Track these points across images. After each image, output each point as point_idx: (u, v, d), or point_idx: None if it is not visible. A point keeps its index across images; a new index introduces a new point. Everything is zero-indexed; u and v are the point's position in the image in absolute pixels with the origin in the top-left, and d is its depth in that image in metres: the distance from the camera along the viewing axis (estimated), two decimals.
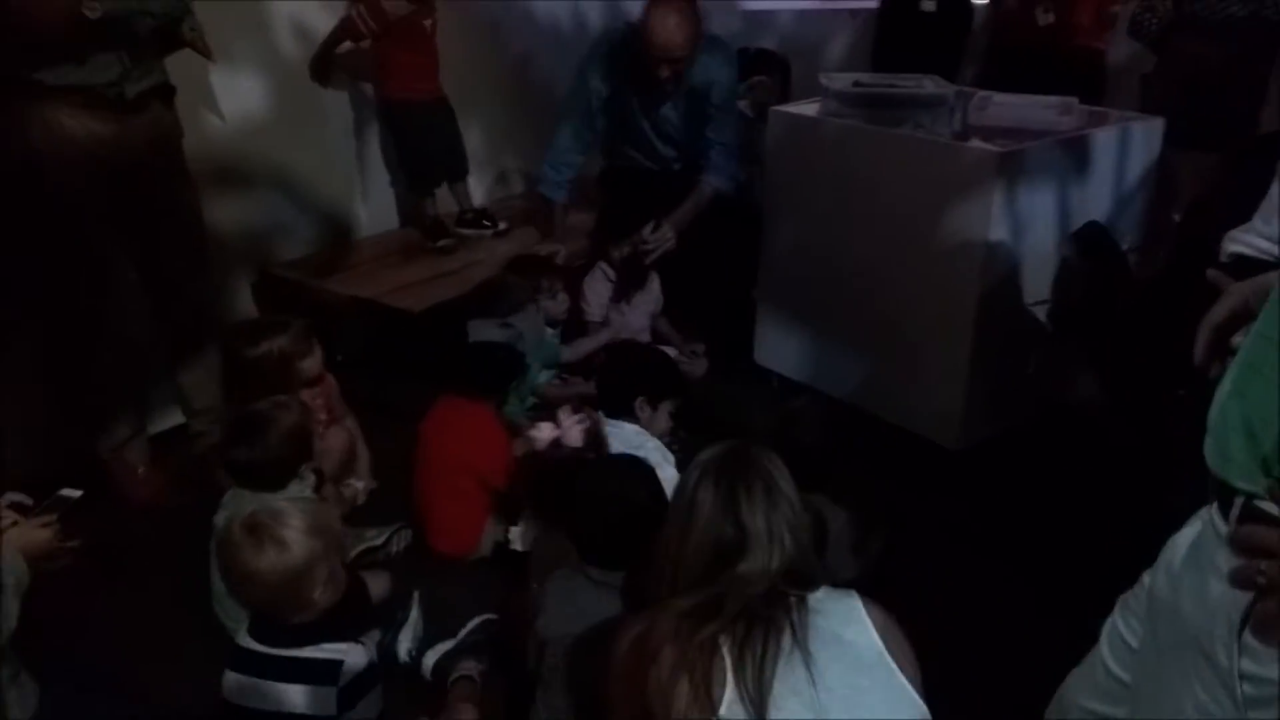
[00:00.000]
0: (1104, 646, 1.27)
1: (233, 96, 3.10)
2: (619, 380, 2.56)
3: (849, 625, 1.34)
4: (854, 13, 5.11)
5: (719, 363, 3.42)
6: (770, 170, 3.31)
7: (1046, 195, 2.82)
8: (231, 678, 1.76)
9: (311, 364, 2.60)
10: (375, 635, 2.23)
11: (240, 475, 2.17)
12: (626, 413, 2.43)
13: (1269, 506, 0.93)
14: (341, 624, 1.82)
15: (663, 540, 1.44)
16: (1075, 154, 2.87)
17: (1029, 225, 2.80)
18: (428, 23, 3.29)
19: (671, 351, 3.37)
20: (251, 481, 2.16)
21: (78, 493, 1.85)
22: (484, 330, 2.60)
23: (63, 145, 2.38)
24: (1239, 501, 0.97)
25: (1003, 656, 2.16)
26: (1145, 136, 3.04)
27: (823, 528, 2.06)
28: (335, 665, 1.73)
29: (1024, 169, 2.74)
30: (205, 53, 2.62)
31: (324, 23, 3.25)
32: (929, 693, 1.36)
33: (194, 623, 2.22)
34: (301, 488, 2.21)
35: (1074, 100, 3.13)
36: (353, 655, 1.76)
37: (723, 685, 1.26)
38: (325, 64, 3.31)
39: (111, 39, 2.32)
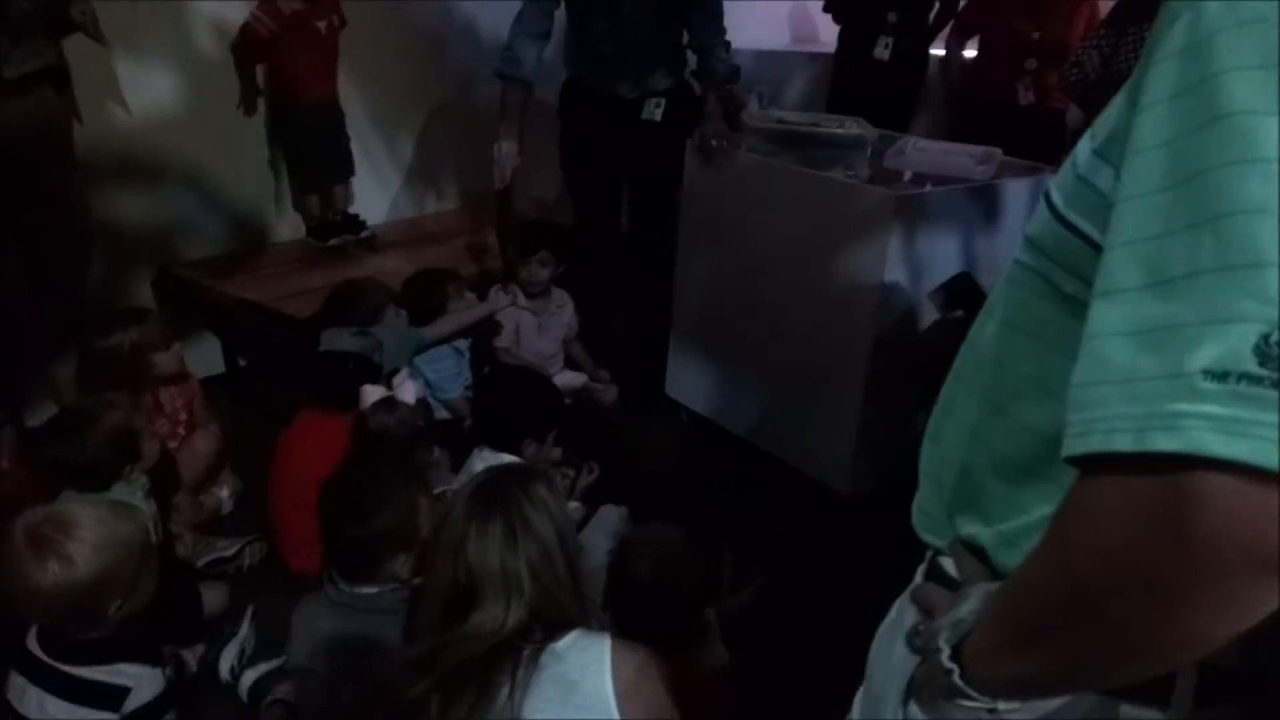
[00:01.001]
0: (856, 705, 1.19)
1: (144, 90, 3.05)
2: (498, 414, 2.50)
3: (586, 678, 1.23)
4: (812, 57, 5.10)
5: (630, 394, 3.36)
6: (687, 202, 3.27)
7: (948, 242, 2.77)
8: (16, 680, 1.67)
9: (167, 359, 2.53)
10: (199, 649, 2.16)
11: (60, 474, 2.09)
12: (511, 450, 2.36)
13: (950, 565, 0.86)
14: (140, 638, 1.73)
15: (428, 563, 1.37)
16: (982, 203, 2.83)
17: (927, 272, 2.75)
18: (322, 24, 3.24)
19: (580, 378, 3.31)
20: (73, 481, 2.07)
21: None
22: (337, 339, 2.52)
23: None
24: (929, 556, 0.90)
25: None
26: None
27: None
28: (121, 691, 1.63)
29: (924, 214, 2.69)
30: (97, 38, 2.57)
31: (238, 15, 3.20)
32: None
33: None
34: (130, 490, 2.13)
35: (997, 150, 3.09)
36: (144, 682, 1.66)
37: None
38: (251, 83, 3.28)
39: None
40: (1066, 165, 0.75)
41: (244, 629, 2.18)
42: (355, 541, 1.72)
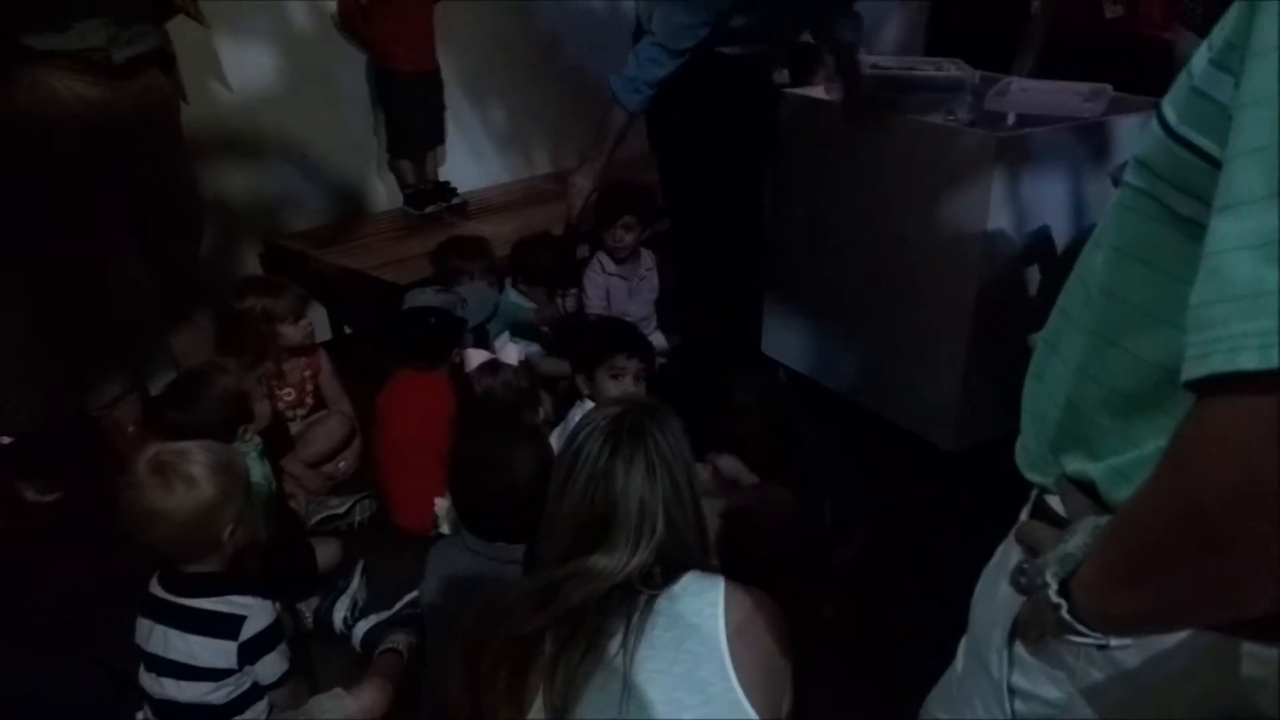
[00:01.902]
0: (959, 653, 1.16)
1: (243, 67, 3.15)
2: (583, 342, 2.53)
3: (700, 622, 1.21)
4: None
5: (728, 351, 3.33)
6: (782, 154, 3.21)
7: (1054, 185, 2.66)
8: (142, 623, 1.77)
9: (293, 332, 2.62)
10: (314, 601, 2.25)
11: (176, 437, 2.18)
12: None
13: (1055, 503, 0.83)
14: (254, 579, 1.81)
15: (550, 494, 1.34)
16: (1090, 142, 2.70)
17: (1034, 216, 2.65)
18: None
19: (672, 339, 3.30)
20: (195, 435, 2.16)
21: (7, 439, 1.89)
22: (420, 297, 2.56)
23: (50, 108, 2.42)
24: (1033, 495, 0.87)
25: None
26: None
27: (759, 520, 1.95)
28: (237, 620, 1.72)
29: (1028, 156, 2.59)
30: (198, 18, 2.65)
31: None
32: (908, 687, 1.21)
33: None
34: (244, 450, 2.21)
35: (1106, 87, 2.94)
36: (257, 611, 1.74)
37: (535, 688, 1.18)
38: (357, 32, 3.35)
39: (91, 5, 2.36)
40: (1180, 79, 0.71)
41: (355, 582, 2.26)
42: (500, 513, 1.75)
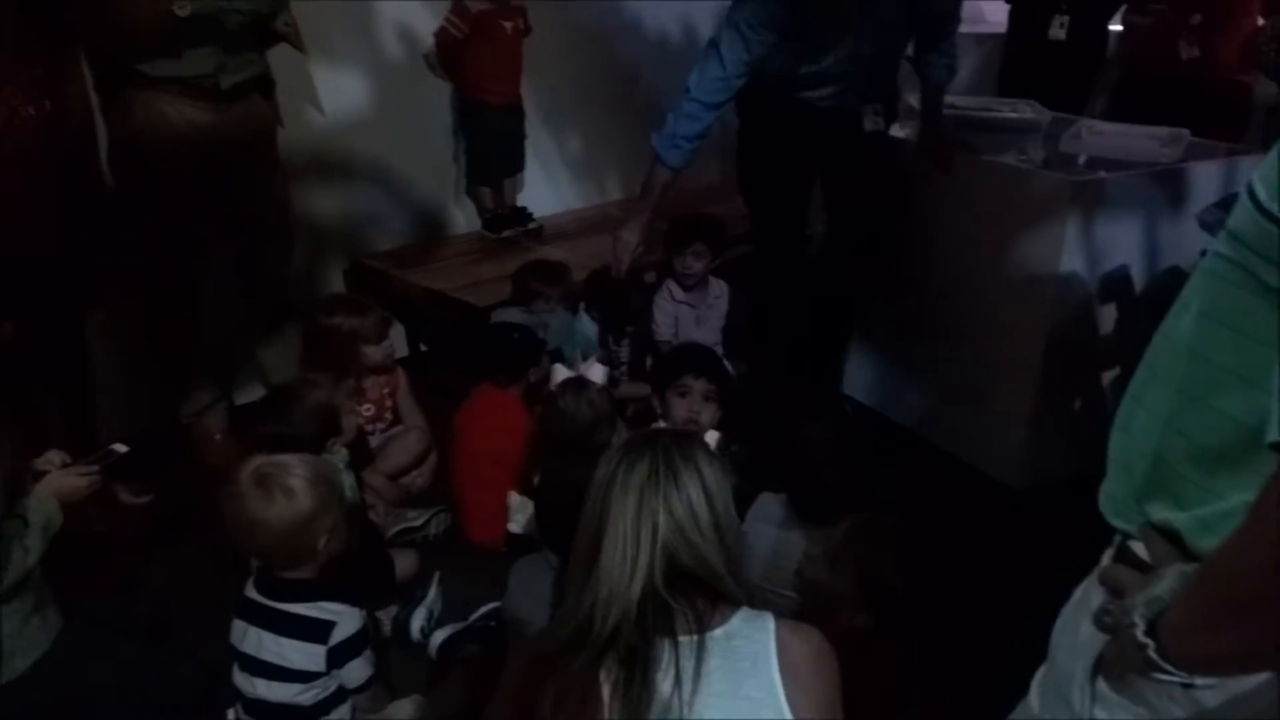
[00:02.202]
0: (1033, 689, 1.20)
1: (335, 92, 3.29)
2: (665, 361, 2.60)
3: (755, 664, 1.18)
4: (980, 38, 4.96)
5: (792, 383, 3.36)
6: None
7: (1129, 230, 2.68)
8: (238, 624, 1.87)
9: (375, 352, 2.72)
10: (392, 610, 2.34)
11: (271, 449, 2.29)
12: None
13: (1139, 549, 0.88)
14: (342, 587, 1.89)
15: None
16: (1166, 187, 2.71)
17: (1107, 260, 2.66)
18: (509, 25, 3.40)
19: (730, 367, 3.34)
20: (282, 444, 2.26)
21: (125, 448, 2.00)
22: (505, 315, 2.66)
23: (162, 130, 2.57)
24: (1116, 540, 0.92)
25: None
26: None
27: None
28: (327, 625, 1.80)
29: (1103, 200, 2.61)
30: (299, 47, 2.78)
31: (424, 22, 3.41)
32: None
33: (239, 582, 2.36)
34: (333, 462, 2.31)
35: (1184, 132, 2.95)
36: (346, 618, 1.83)
37: None
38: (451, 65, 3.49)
39: (203, 35, 2.50)
40: (1271, 158, 0.75)
41: (432, 593, 2.34)
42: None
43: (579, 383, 2.32)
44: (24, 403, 2.51)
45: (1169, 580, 0.76)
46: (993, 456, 2.90)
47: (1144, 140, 2.93)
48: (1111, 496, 0.93)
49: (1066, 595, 1.24)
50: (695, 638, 1.18)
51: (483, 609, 2.27)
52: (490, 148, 3.57)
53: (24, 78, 2.33)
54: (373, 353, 2.74)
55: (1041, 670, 1.18)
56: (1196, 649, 0.72)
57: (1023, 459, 2.82)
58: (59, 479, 1.88)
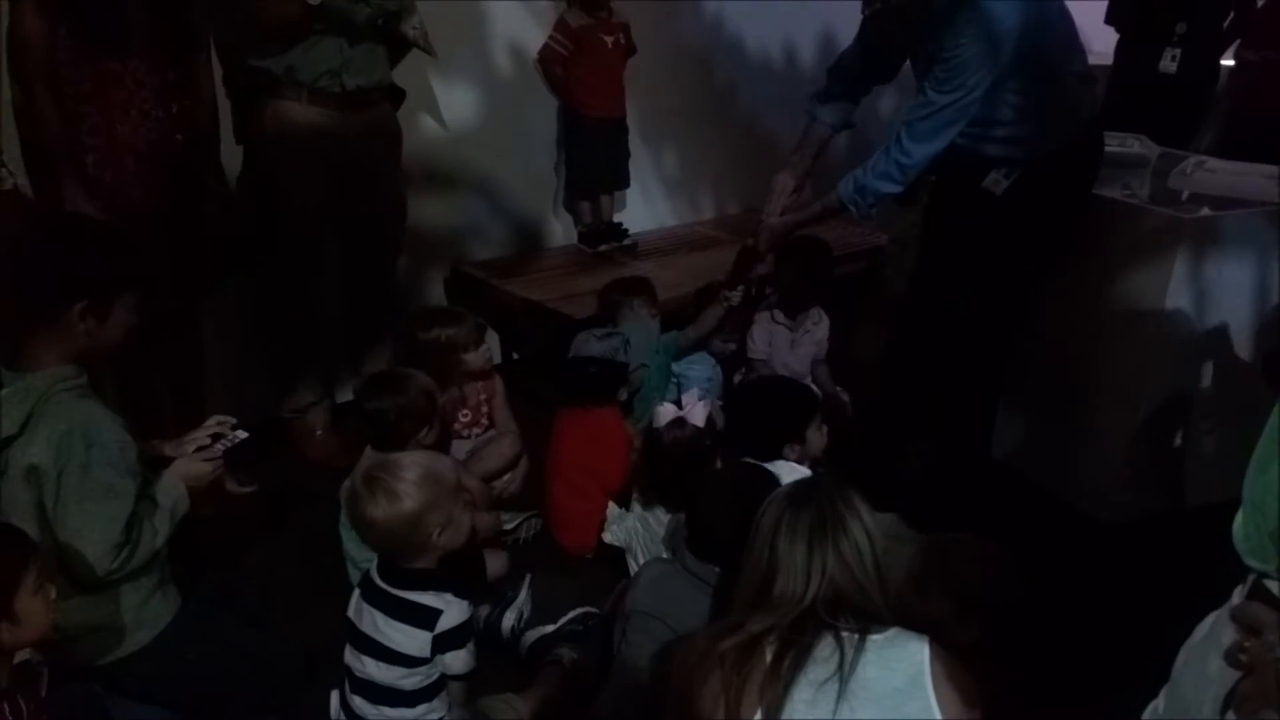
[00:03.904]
0: None
1: (443, 100, 3.39)
2: (754, 420, 2.54)
3: (907, 669, 1.31)
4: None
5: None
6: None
7: (1239, 269, 2.63)
8: (356, 600, 1.95)
9: (475, 358, 2.79)
10: (485, 609, 2.40)
11: (367, 431, 2.37)
12: (773, 456, 2.42)
13: (1275, 587, 0.89)
14: (454, 578, 1.96)
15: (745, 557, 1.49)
16: (1277, 227, 2.66)
17: (1214, 298, 2.62)
18: (609, 39, 3.48)
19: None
20: (375, 441, 2.35)
21: (245, 433, 2.10)
22: (584, 345, 2.73)
23: (288, 131, 2.69)
24: (1250, 579, 0.93)
25: None
26: None
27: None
28: (435, 613, 1.87)
29: (1213, 238, 2.57)
30: (428, 50, 2.87)
31: (532, 32, 3.50)
32: None
33: (336, 572, 2.45)
34: None
35: None
36: (453, 608, 1.89)
37: (753, 707, 1.29)
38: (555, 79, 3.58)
39: (330, 27, 2.60)
40: None
41: (523, 594, 2.40)
42: (731, 541, 1.77)
43: (680, 422, 2.38)
44: (144, 390, 2.63)
45: None
46: (1084, 490, 2.86)
47: (1256, 178, 2.87)
48: (1246, 535, 0.93)
49: (1158, 628, 1.25)
50: (857, 635, 1.32)
51: (572, 613, 2.33)
52: (590, 162, 3.65)
53: (156, 82, 2.44)
54: (472, 359, 2.81)
55: (1153, 706, 1.19)
56: None
57: (1114, 494, 2.78)
58: (188, 464, 1.98)
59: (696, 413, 2.18)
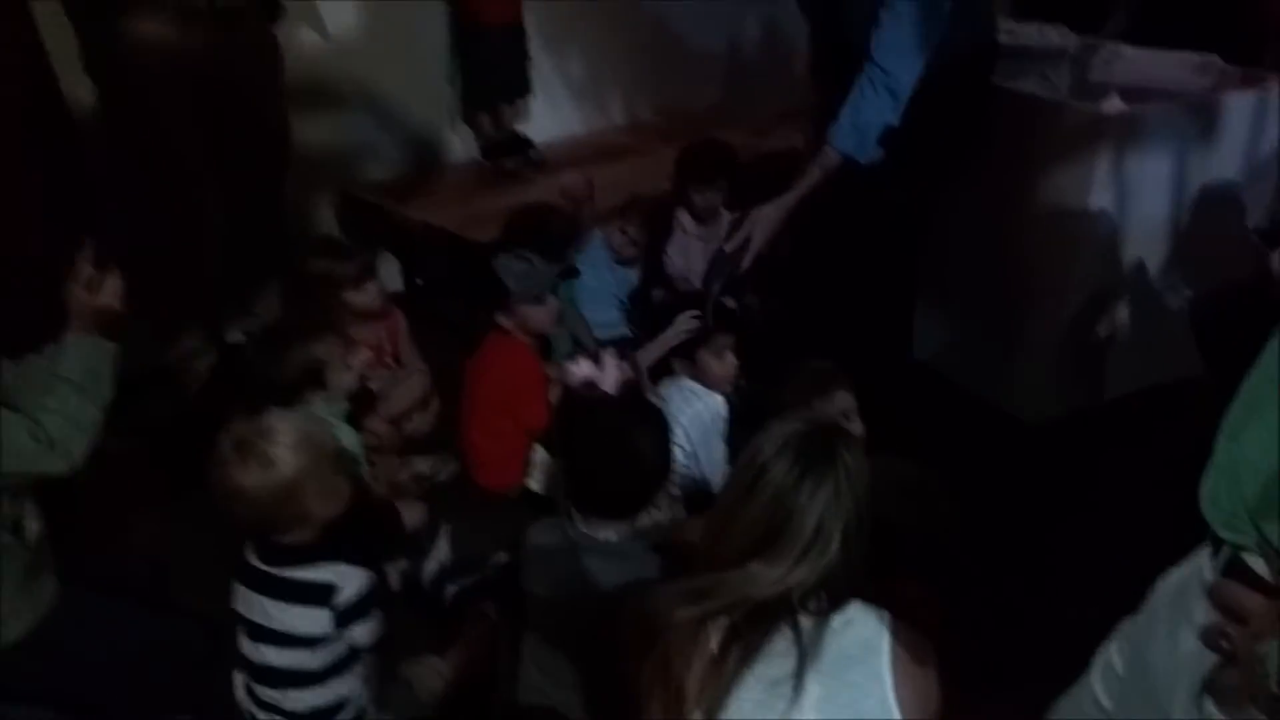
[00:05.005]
0: (1095, 673, 1.15)
1: (323, 10, 3.11)
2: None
3: (866, 653, 1.22)
4: None
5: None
6: None
7: (1159, 164, 2.58)
8: (240, 591, 1.79)
9: (359, 298, 2.59)
10: (402, 563, 2.28)
11: (259, 392, 2.19)
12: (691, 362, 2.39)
13: (1256, 563, 0.81)
14: (344, 546, 1.79)
15: (720, 503, 1.34)
16: (1198, 119, 2.60)
17: (1136, 195, 2.57)
18: None
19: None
20: (272, 399, 2.17)
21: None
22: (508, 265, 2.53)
23: (151, 53, 2.42)
24: (1225, 551, 0.85)
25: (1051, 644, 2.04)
26: None
27: None
28: (329, 588, 1.72)
29: (1135, 133, 2.50)
30: None
31: None
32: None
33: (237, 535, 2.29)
34: (331, 412, 2.22)
35: (1215, 58, 2.82)
36: (349, 579, 1.74)
37: (694, 705, 1.19)
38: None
39: None
40: None
41: (442, 544, 2.28)
42: (620, 491, 1.73)
43: (590, 385, 2.22)
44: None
45: None
46: (1010, 391, 2.84)
47: (1176, 69, 2.80)
48: (1217, 505, 0.85)
49: (1085, 532, 1.18)
50: (815, 620, 1.21)
51: (496, 559, 2.22)
52: (488, 71, 3.41)
53: None
54: (356, 299, 2.61)
55: (1106, 657, 1.13)
56: None
57: (1040, 395, 2.77)
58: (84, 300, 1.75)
59: (609, 377, 2.03)
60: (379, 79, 3.31)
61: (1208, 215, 2.71)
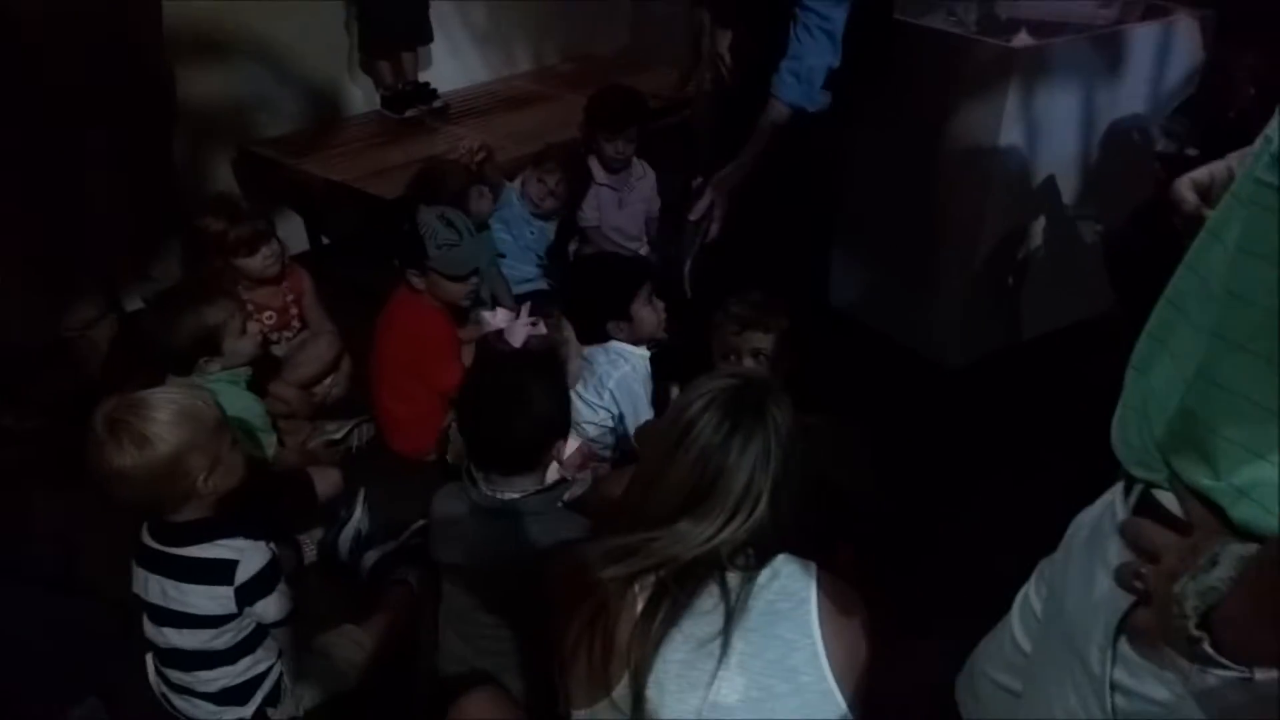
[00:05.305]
0: (1014, 614, 1.15)
1: None
2: (589, 304, 2.36)
3: (793, 606, 1.19)
4: None
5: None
6: None
7: (1068, 98, 2.58)
8: (139, 573, 1.70)
9: (253, 264, 2.48)
10: (317, 533, 2.21)
11: (148, 363, 2.09)
12: (602, 337, 2.32)
13: (1168, 500, 0.79)
14: (242, 521, 1.71)
15: (645, 460, 1.30)
16: (1105, 52, 2.61)
17: (1047, 130, 2.57)
18: None
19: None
20: (169, 367, 2.07)
21: None
22: (427, 217, 2.43)
23: (20, 9, 2.25)
24: (1137, 489, 0.83)
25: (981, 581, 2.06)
26: (1190, 32, 2.74)
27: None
28: (229, 564, 1.65)
29: (1044, 68, 2.49)
30: None
31: None
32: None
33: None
34: (234, 378, 2.13)
35: None
36: (250, 554, 1.67)
37: (623, 661, 1.16)
38: None
39: None
40: None
41: (358, 512, 2.21)
42: (520, 434, 1.66)
43: (498, 336, 2.13)
44: None
45: (1224, 567, 0.67)
46: (927, 336, 2.85)
47: (1081, 2, 2.79)
48: (1128, 443, 0.84)
49: (1006, 475, 1.18)
50: (743, 575, 1.18)
51: (415, 526, 2.16)
52: (385, 15, 3.26)
53: None
54: (249, 265, 2.50)
55: (1025, 597, 1.13)
56: (1258, 645, 0.64)
57: (957, 338, 2.79)
58: None
59: (515, 332, 1.96)
60: (273, 29, 3.15)
61: (1117, 148, 2.73)
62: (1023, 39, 2.54)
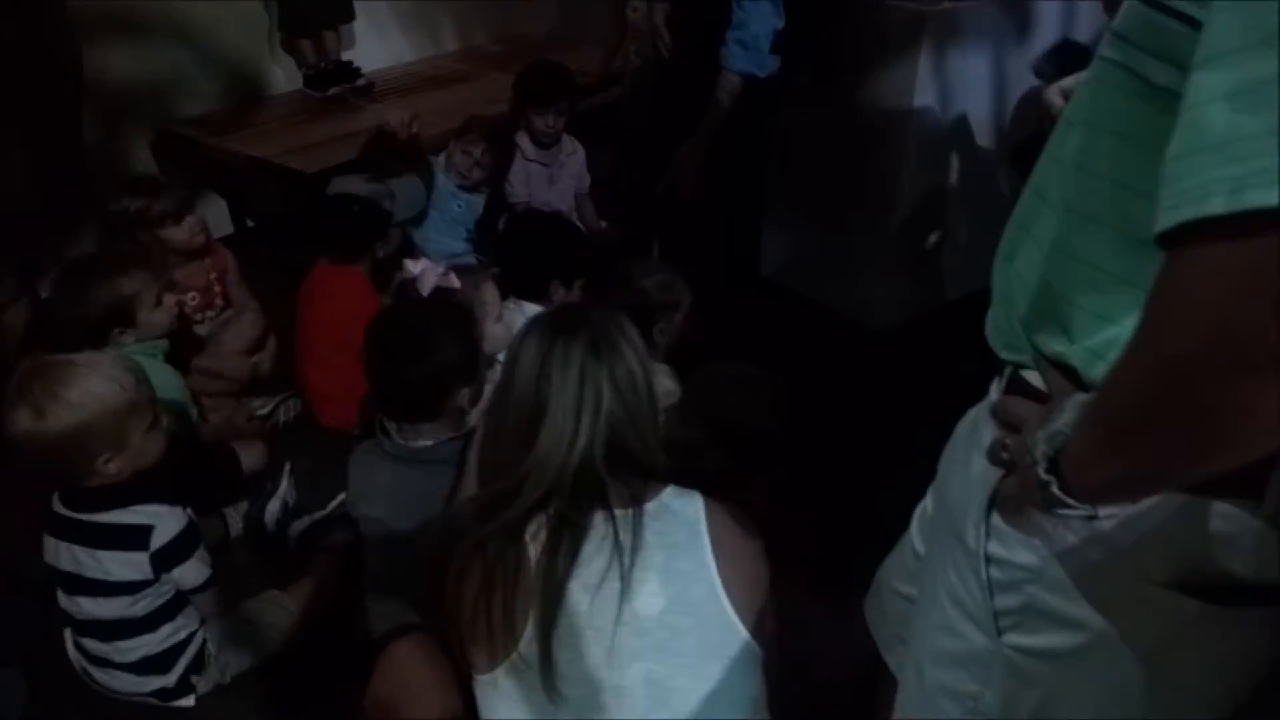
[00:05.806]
0: (913, 524, 1.18)
1: None
2: (526, 259, 2.38)
3: (685, 538, 1.17)
4: None
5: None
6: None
7: (980, 59, 2.64)
8: (49, 542, 1.68)
9: (177, 234, 2.45)
10: (242, 507, 2.19)
11: (59, 336, 2.04)
12: (538, 295, 2.29)
13: (1034, 378, 0.83)
14: (158, 486, 1.70)
15: (488, 412, 1.31)
16: (1012, 16, 2.67)
17: (959, 92, 2.63)
18: None
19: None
20: (81, 341, 2.02)
21: None
22: (346, 184, 2.42)
23: None
24: (1007, 371, 0.87)
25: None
26: None
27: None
28: (144, 529, 1.64)
29: (955, 30, 2.55)
30: None
31: None
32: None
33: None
34: (150, 351, 2.09)
35: None
36: (165, 519, 1.66)
37: (525, 617, 1.13)
38: None
39: None
40: None
41: (284, 483, 2.20)
42: (420, 377, 1.66)
43: (408, 285, 2.12)
44: None
45: (1069, 412, 0.71)
46: (850, 300, 2.90)
47: None
48: (998, 329, 0.88)
49: (927, 431, 1.23)
50: (631, 511, 1.16)
51: (341, 495, 2.14)
52: None
53: None
54: (174, 235, 2.46)
55: (922, 506, 1.16)
56: (1096, 477, 0.69)
57: (879, 301, 2.83)
58: None
59: (425, 280, 1.96)
60: (191, 9, 3.09)
61: (1028, 108, 2.79)
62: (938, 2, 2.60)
